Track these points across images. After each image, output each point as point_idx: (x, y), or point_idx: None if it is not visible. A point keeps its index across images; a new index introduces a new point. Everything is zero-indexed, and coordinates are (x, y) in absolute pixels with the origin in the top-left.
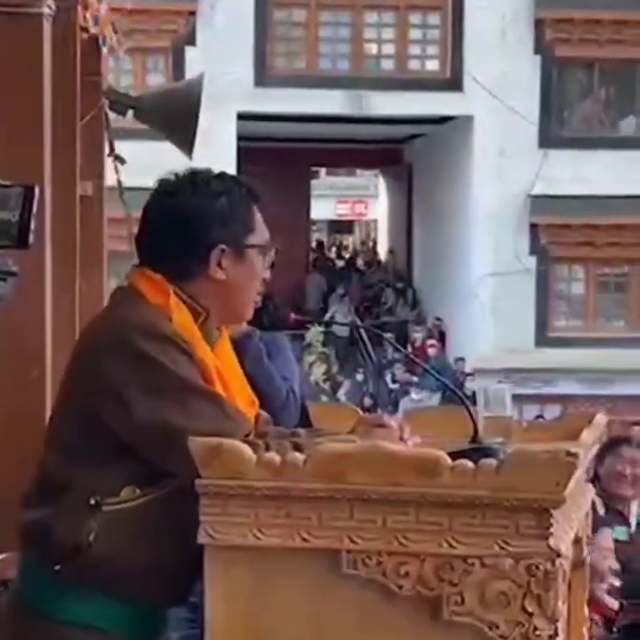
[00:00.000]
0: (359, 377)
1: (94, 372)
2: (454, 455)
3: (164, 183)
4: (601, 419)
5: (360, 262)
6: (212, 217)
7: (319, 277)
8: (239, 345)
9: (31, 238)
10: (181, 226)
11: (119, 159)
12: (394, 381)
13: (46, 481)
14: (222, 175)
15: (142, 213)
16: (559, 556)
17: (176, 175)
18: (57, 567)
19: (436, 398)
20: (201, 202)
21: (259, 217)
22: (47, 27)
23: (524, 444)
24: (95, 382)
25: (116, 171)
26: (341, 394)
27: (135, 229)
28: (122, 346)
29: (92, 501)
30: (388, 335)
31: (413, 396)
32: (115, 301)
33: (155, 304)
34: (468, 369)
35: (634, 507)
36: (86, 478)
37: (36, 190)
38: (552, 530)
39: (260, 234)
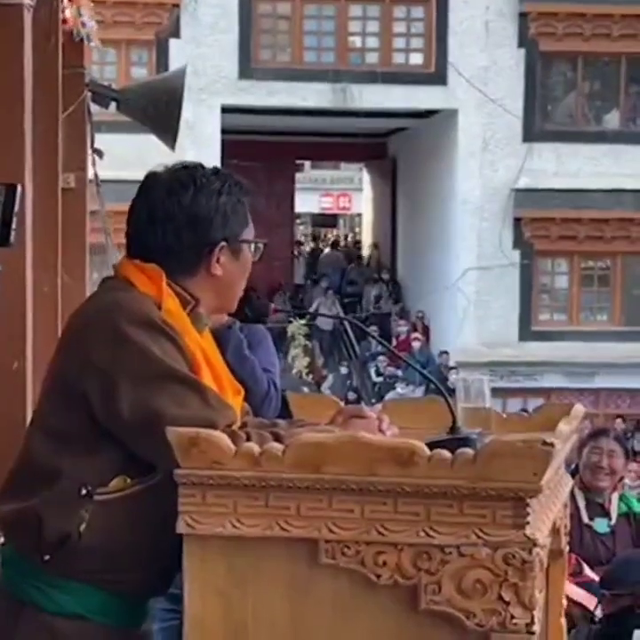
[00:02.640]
0: (343, 370)
1: (82, 357)
2: (432, 445)
3: (159, 178)
4: (579, 409)
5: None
6: (215, 215)
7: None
8: (220, 336)
9: (13, 237)
10: (186, 224)
11: (98, 152)
12: (378, 374)
13: (32, 469)
14: (218, 171)
15: (137, 208)
16: (536, 545)
17: (170, 170)
18: (46, 557)
19: (420, 391)
20: (205, 200)
21: (248, 213)
22: (28, 18)
23: (501, 435)
24: (83, 368)
25: (94, 164)
26: (325, 387)
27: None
28: (109, 332)
29: (83, 491)
30: (371, 328)
31: (399, 390)
32: (103, 288)
33: (144, 292)
34: (451, 363)
35: (614, 499)
36: (76, 467)
37: (19, 189)
38: (529, 519)
39: (251, 228)
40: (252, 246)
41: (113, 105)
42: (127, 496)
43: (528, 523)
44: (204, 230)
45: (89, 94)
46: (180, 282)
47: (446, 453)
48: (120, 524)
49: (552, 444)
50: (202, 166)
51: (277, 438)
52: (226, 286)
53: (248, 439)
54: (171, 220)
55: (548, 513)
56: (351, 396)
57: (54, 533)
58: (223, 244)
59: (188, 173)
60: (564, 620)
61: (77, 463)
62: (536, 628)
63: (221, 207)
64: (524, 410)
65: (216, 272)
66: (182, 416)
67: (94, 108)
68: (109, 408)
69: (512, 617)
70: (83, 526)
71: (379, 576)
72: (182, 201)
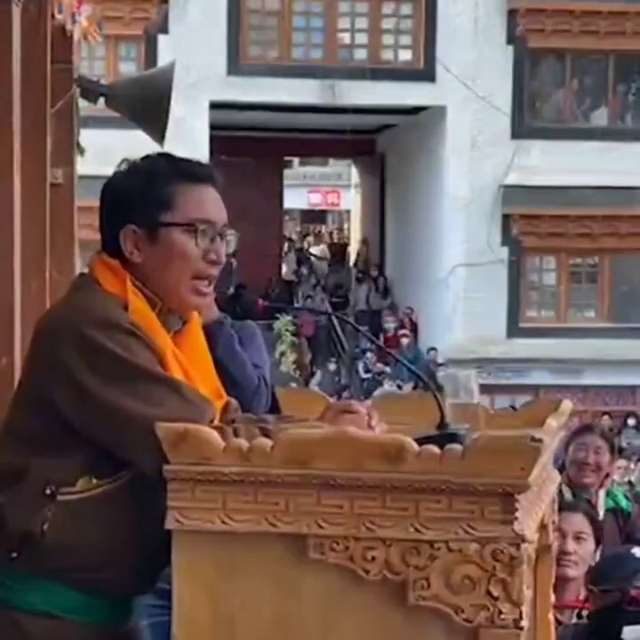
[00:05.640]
0: (332, 367)
1: (51, 363)
2: (421, 441)
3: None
4: (567, 405)
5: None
6: (123, 196)
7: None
8: (211, 332)
9: None
10: (102, 207)
11: (79, 148)
12: (366, 371)
13: (1, 469)
14: (160, 155)
15: None
16: (524, 540)
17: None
18: (13, 554)
19: (408, 388)
20: (117, 181)
21: (189, 194)
22: (17, 13)
23: (490, 430)
24: (52, 373)
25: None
26: (314, 383)
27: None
28: (77, 338)
29: (48, 491)
30: (363, 328)
31: (386, 386)
32: (73, 289)
33: (110, 292)
34: (440, 359)
35: (601, 495)
36: (42, 467)
37: None
38: (517, 515)
39: (184, 212)
40: (199, 230)
41: (101, 100)
42: (93, 496)
43: (516, 518)
44: (111, 211)
45: (77, 89)
46: (130, 270)
47: (435, 449)
48: (86, 524)
49: (541, 440)
50: (158, 153)
51: (266, 434)
52: (153, 275)
53: (236, 434)
54: (100, 202)
55: (537, 509)
56: (340, 392)
57: (18, 531)
58: (133, 227)
59: (127, 160)
60: (552, 616)
61: (44, 463)
62: (524, 623)
63: (130, 187)
64: (512, 406)
65: (133, 259)
66: (160, 415)
67: (82, 103)
68: (83, 414)
69: (500, 612)
70: (46, 525)
71: (367, 571)
72: (104, 186)
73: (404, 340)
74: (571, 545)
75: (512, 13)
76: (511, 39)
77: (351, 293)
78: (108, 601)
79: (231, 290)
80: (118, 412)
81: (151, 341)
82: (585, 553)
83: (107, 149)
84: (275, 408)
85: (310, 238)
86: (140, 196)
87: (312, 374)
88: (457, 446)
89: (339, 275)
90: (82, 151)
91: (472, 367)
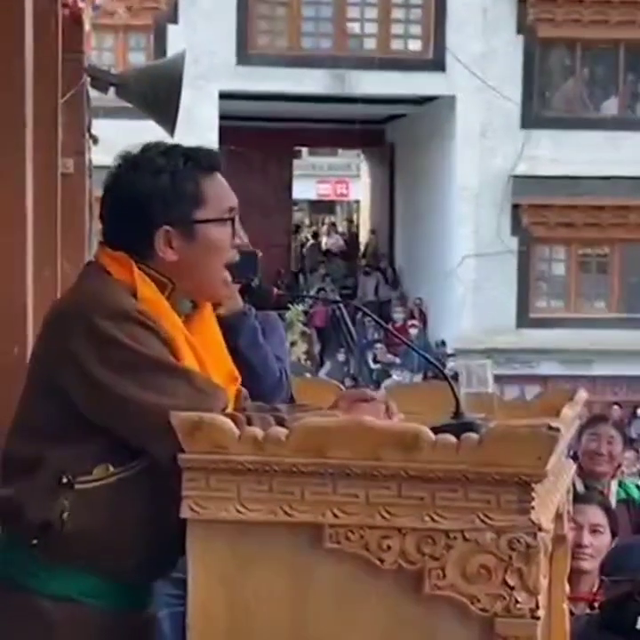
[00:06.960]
0: (341, 357)
1: (62, 353)
2: (436, 430)
3: (115, 160)
4: (582, 395)
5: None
6: (152, 197)
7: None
8: (234, 324)
9: None
10: (124, 208)
11: (93, 139)
12: (375, 361)
13: (14, 459)
14: (170, 149)
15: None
16: (540, 530)
17: (128, 152)
18: (34, 541)
19: (417, 379)
20: (141, 182)
21: (214, 187)
22: (29, 3)
23: (505, 420)
24: (63, 363)
25: (88, 150)
26: (323, 373)
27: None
28: (87, 328)
29: (64, 480)
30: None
31: (395, 377)
32: (81, 277)
33: (119, 279)
34: (449, 350)
35: (613, 486)
36: (58, 456)
37: None
38: (533, 504)
39: (214, 205)
40: (227, 224)
41: (111, 90)
42: (110, 484)
43: (533, 508)
44: (140, 213)
45: (88, 79)
46: (144, 263)
47: (451, 438)
48: (105, 512)
49: (557, 429)
50: (158, 146)
51: (280, 422)
52: (189, 270)
53: (249, 423)
54: (112, 200)
55: (552, 498)
56: (349, 382)
57: (37, 521)
58: (167, 228)
59: (135, 154)
60: (566, 606)
61: (59, 453)
62: (540, 612)
63: (160, 188)
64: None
65: (168, 257)
66: (172, 404)
67: (93, 93)
68: (94, 405)
69: (517, 602)
70: (65, 514)
71: (383, 561)
72: (120, 182)
73: (413, 331)
74: (587, 538)
75: (522, 3)
76: (521, 29)
77: (359, 285)
78: (125, 586)
79: (256, 281)
80: (130, 403)
81: (161, 329)
82: (601, 545)
83: (116, 140)
84: (291, 400)
85: (323, 228)
86: (171, 196)
87: (321, 364)
88: (473, 435)
89: (347, 266)
90: (95, 140)
91: (481, 357)
